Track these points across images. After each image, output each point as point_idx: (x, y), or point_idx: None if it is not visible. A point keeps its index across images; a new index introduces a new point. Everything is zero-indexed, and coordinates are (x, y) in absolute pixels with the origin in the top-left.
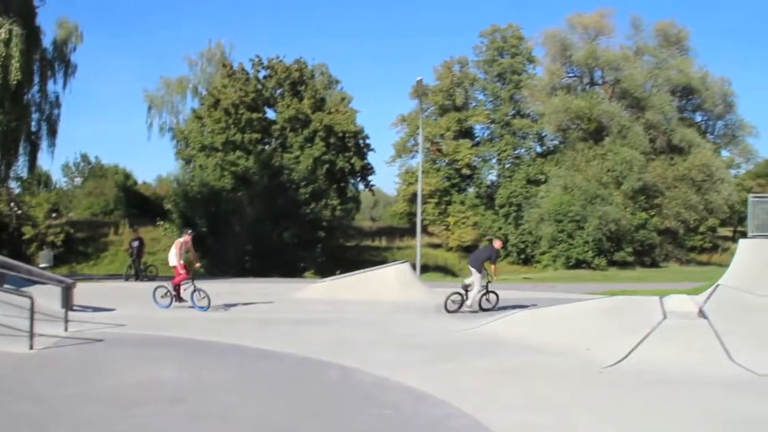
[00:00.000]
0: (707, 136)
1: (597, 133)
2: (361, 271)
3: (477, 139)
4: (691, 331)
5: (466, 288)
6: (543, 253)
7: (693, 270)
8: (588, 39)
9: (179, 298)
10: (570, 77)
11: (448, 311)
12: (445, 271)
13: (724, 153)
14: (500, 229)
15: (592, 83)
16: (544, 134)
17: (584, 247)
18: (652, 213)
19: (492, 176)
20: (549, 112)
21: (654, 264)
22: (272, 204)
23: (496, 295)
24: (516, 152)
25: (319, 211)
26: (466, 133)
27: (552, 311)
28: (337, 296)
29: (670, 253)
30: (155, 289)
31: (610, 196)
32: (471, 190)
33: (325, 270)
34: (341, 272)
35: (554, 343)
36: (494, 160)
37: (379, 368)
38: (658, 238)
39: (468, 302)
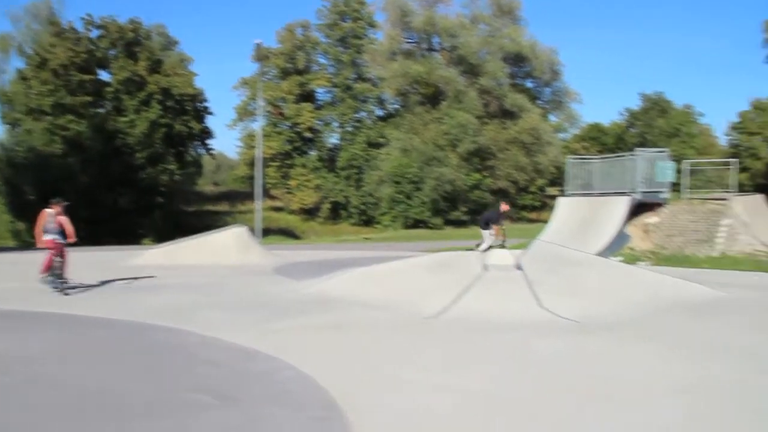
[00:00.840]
0: (537, 102)
1: (434, 98)
2: (199, 235)
3: (319, 102)
4: (507, 282)
5: (478, 246)
6: (383, 214)
7: (523, 227)
8: (427, 6)
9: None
10: (409, 43)
11: None
12: (288, 234)
13: (552, 118)
14: (342, 191)
15: (431, 49)
16: (384, 98)
17: (422, 208)
18: (486, 174)
19: (334, 139)
20: (389, 77)
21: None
22: (107, 169)
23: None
24: (357, 116)
25: (157, 176)
26: (308, 96)
27: (382, 268)
28: (174, 261)
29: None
30: None
31: (446, 158)
32: (313, 153)
33: (164, 236)
34: (181, 237)
35: (383, 298)
36: (336, 124)
37: (211, 329)
38: (491, 198)
39: None
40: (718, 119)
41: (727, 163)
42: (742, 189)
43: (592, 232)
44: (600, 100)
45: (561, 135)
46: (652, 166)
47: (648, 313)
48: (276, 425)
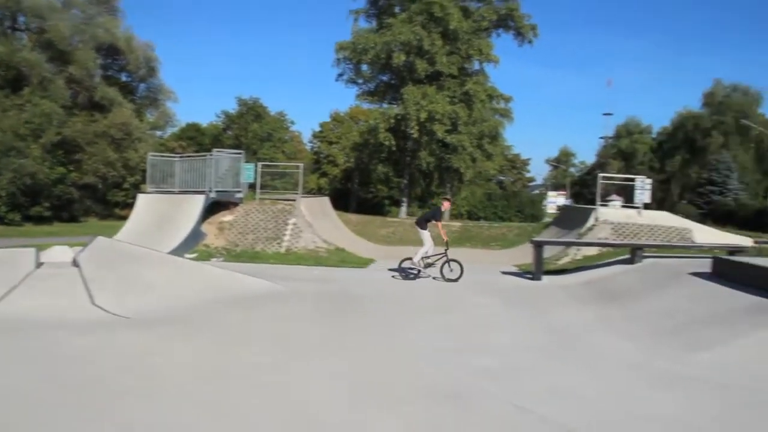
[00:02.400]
0: (131, 97)
1: (16, 82)
2: None
3: None
4: (61, 279)
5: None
6: None
7: (111, 224)
8: None
9: None
10: None
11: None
12: None
13: (149, 115)
14: None
15: (15, 28)
16: None
17: None
18: (72, 168)
19: None
20: None
21: (73, 219)
22: None
23: (460, 265)
24: None
25: None
26: None
27: None
28: None
29: (90, 208)
30: None
31: (28, 149)
32: None
33: None
34: None
35: None
36: None
37: None
38: (77, 193)
39: (414, 259)
40: (307, 127)
41: (296, 167)
42: (321, 192)
43: (169, 229)
44: (200, 101)
45: (158, 133)
46: (230, 167)
47: (205, 306)
48: None
